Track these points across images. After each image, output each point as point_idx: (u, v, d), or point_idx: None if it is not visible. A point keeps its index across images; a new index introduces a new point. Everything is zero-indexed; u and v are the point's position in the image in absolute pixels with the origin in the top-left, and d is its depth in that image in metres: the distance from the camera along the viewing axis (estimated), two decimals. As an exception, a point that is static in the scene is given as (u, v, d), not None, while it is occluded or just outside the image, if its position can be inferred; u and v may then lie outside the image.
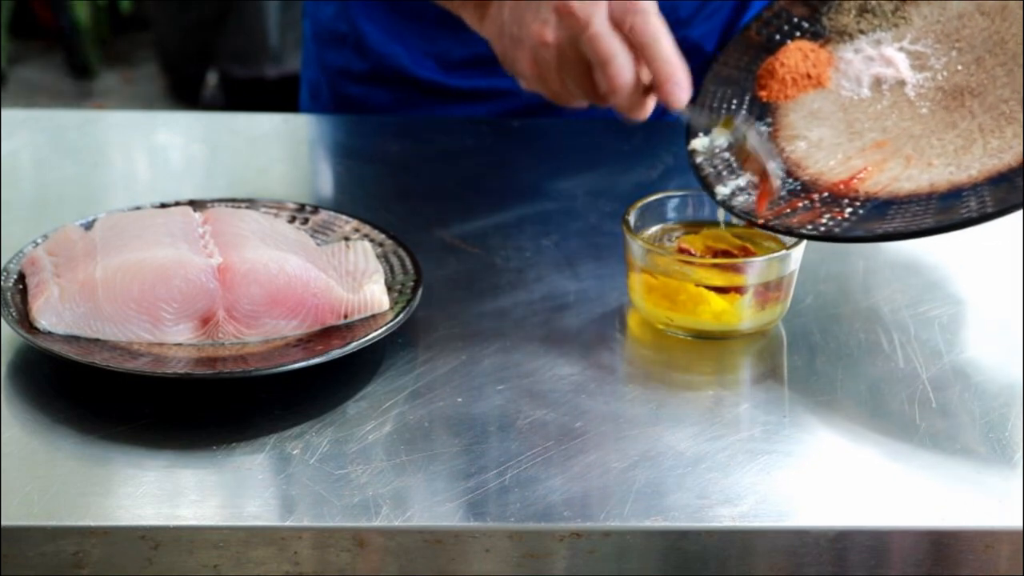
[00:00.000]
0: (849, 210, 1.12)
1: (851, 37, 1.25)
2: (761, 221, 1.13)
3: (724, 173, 1.17)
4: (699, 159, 1.19)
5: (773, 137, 1.19)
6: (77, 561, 0.94)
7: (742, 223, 1.15)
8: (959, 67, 1.19)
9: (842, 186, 1.14)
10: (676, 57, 1.12)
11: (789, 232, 1.12)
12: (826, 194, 1.14)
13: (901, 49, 1.22)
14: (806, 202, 1.14)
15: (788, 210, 1.13)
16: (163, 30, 4.15)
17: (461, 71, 1.50)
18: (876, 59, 1.22)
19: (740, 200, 1.15)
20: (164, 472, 0.99)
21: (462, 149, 1.46)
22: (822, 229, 1.10)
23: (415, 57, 1.51)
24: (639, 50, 1.12)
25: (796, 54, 1.24)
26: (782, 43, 1.26)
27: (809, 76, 1.23)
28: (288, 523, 0.94)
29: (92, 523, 0.94)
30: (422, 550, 0.94)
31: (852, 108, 1.20)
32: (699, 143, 1.19)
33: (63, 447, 1.01)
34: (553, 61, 1.15)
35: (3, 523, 0.93)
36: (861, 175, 1.14)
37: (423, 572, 0.95)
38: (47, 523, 0.94)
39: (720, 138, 1.19)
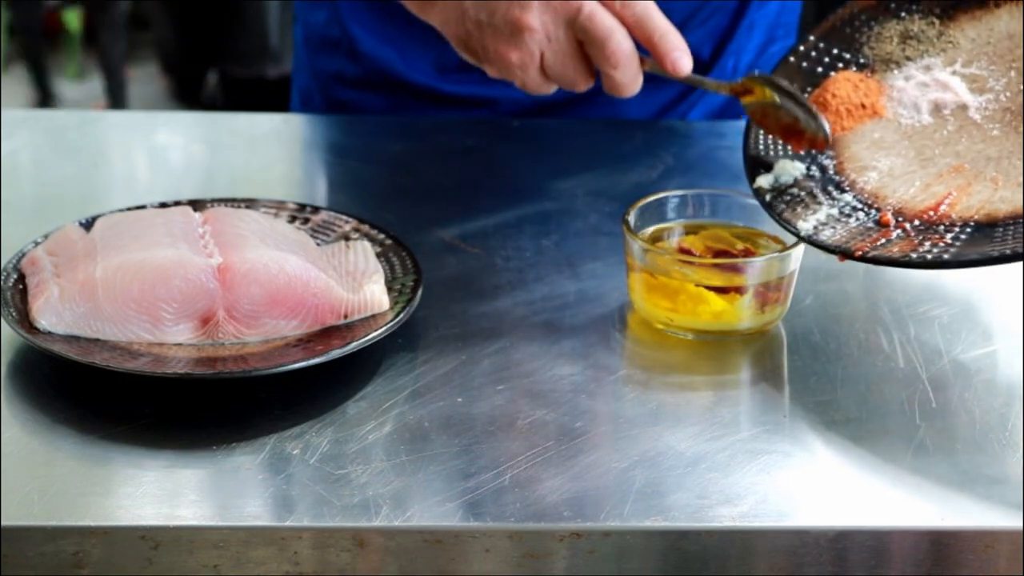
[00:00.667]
0: (949, 235, 1.09)
1: (898, 64, 1.23)
2: (859, 254, 1.10)
3: (799, 209, 1.15)
4: (768, 196, 1.16)
5: (839, 170, 1.18)
6: (77, 561, 0.94)
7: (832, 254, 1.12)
8: (1022, 86, 1.18)
9: (932, 212, 1.11)
10: (671, 27, 1.12)
11: (893, 263, 1.09)
12: (917, 222, 1.11)
13: (955, 73, 1.21)
14: (899, 231, 1.11)
15: (882, 240, 1.11)
16: (163, 30, 4.15)
17: (455, 75, 1.50)
18: (931, 84, 1.20)
19: (826, 235, 1.12)
20: (164, 472, 0.98)
21: (462, 149, 1.46)
22: (929, 257, 1.08)
23: (408, 61, 1.51)
24: (632, 27, 1.11)
25: (845, 84, 1.21)
26: (825, 75, 1.23)
27: (863, 106, 1.20)
28: (288, 523, 0.94)
29: (92, 523, 0.94)
30: (422, 550, 0.94)
31: (917, 135, 1.18)
32: (764, 180, 1.17)
33: (63, 447, 1.01)
34: (538, 46, 1.13)
35: (3, 523, 0.93)
36: (948, 200, 1.12)
37: (423, 572, 0.95)
38: (47, 523, 0.94)
39: (785, 175, 1.18)
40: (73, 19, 4.31)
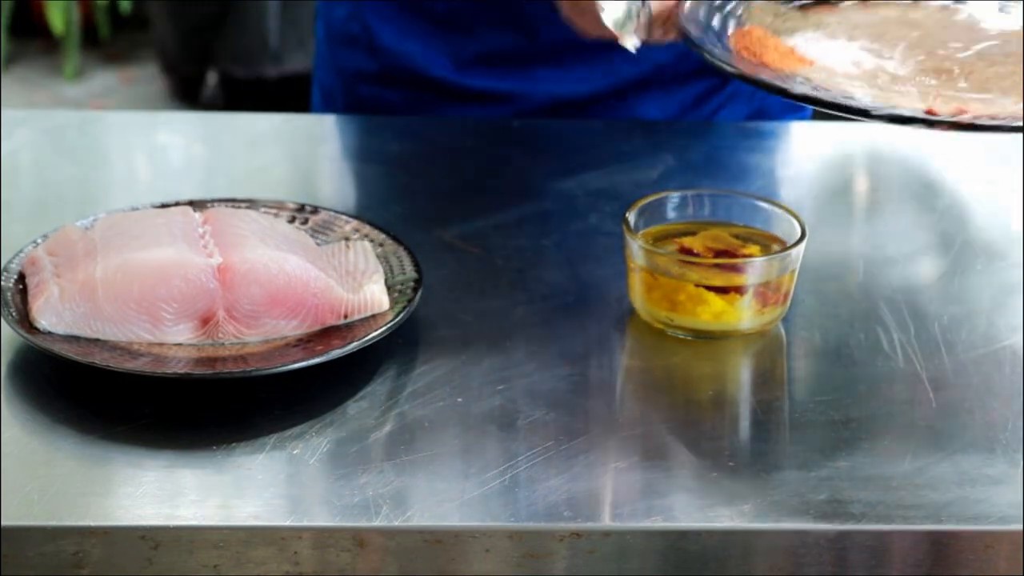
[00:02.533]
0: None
1: (780, 34, 1.21)
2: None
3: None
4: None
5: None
6: (77, 561, 0.94)
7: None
8: (920, 56, 1.17)
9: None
10: None
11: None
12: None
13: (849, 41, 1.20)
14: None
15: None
16: (163, 30, 4.15)
17: (474, 69, 1.50)
18: (832, 48, 1.19)
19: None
20: (164, 472, 0.99)
21: (462, 149, 1.46)
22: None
23: (428, 56, 1.51)
24: None
25: (763, 35, 1.20)
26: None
27: (792, 52, 1.18)
28: (288, 523, 0.94)
29: (92, 523, 0.94)
30: (422, 550, 0.94)
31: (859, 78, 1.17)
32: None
33: (63, 447, 1.01)
34: None
35: (3, 523, 0.93)
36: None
37: (423, 572, 0.95)
38: (47, 523, 0.94)
39: None
40: (57, 16, 4.29)
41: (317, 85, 1.63)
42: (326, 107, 1.60)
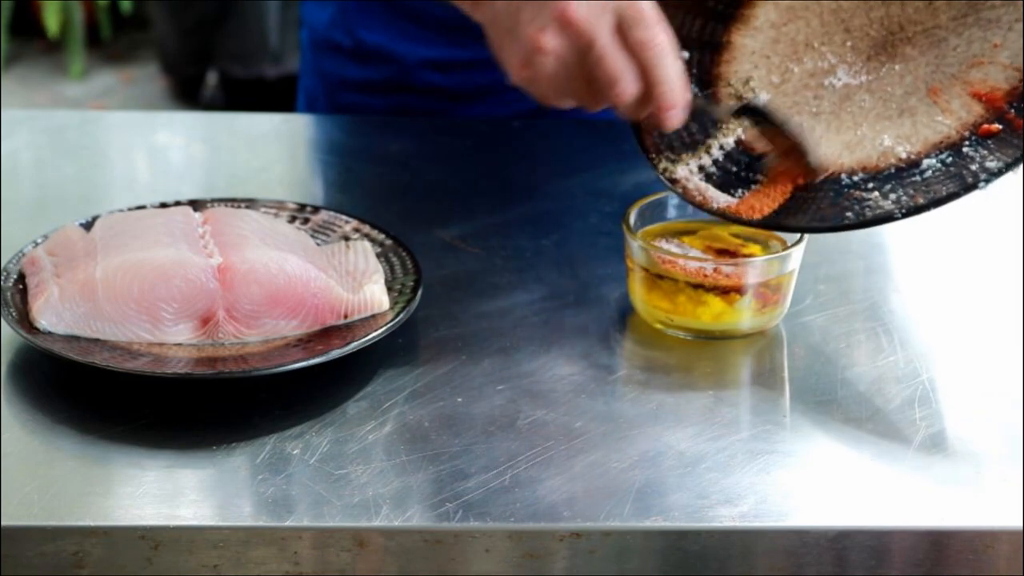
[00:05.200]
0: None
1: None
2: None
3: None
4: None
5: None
6: (77, 561, 0.94)
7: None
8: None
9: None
10: (679, 79, 1.09)
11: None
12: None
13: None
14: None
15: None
16: (163, 30, 4.15)
17: (460, 74, 1.50)
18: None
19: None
20: (164, 472, 0.99)
21: (462, 149, 1.46)
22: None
23: (414, 62, 1.51)
24: (643, 67, 1.08)
25: None
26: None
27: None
28: (288, 523, 0.94)
29: (92, 523, 0.94)
30: (422, 550, 0.94)
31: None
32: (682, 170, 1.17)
33: (63, 447, 1.01)
34: (549, 68, 1.11)
35: (3, 523, 0.93)
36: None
37: (423, 572, 0.95)
38: (47, 523, 0.94)
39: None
40: (52, 18, 4.28)
41: (302, 90, 1.63)
42: (310, 112, 1.60)
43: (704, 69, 1.19)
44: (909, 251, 1.28)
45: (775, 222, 1.12)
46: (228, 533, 0.94)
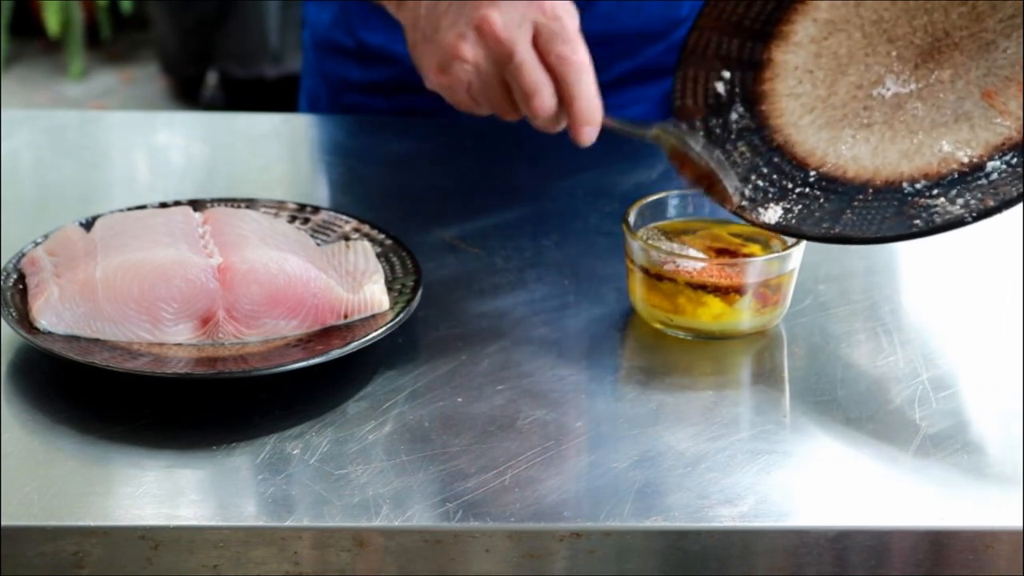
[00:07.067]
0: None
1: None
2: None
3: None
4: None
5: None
6: (77, 561, 0.94)
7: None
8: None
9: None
10: (596, 96, 1.09)
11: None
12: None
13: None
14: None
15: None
16: (163, 30, 4.15)
17: None
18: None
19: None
20: (164, 472, 0.99)
21: (462, 149, 1.46)
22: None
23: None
24: (560, 82, 1.09)
25: None
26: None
27: None
28: (288, 523, 0.94)
29: (92, 523, 0.94)
30: (422, 550, 0.94)
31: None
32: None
33: (63, 447, 1.01)
34: (466, 76, 1.11)
35: (3, 523, 0.93)
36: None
37: (423, 572, 0.95)
38: (47, 523, 0.94)
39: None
40: (52, 18, 4.28)
41: (304, 91, 1.63)
42: (312, 113, 1.60)
43: (747, 88, 1.19)
44: (909, 251, 1.28)
45: (839, 235, 1.10)
46: (228, 533, 0.94)
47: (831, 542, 0.95)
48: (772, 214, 1.13)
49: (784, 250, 1.13)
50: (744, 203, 1.14)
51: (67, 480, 0.97)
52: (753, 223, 1.13)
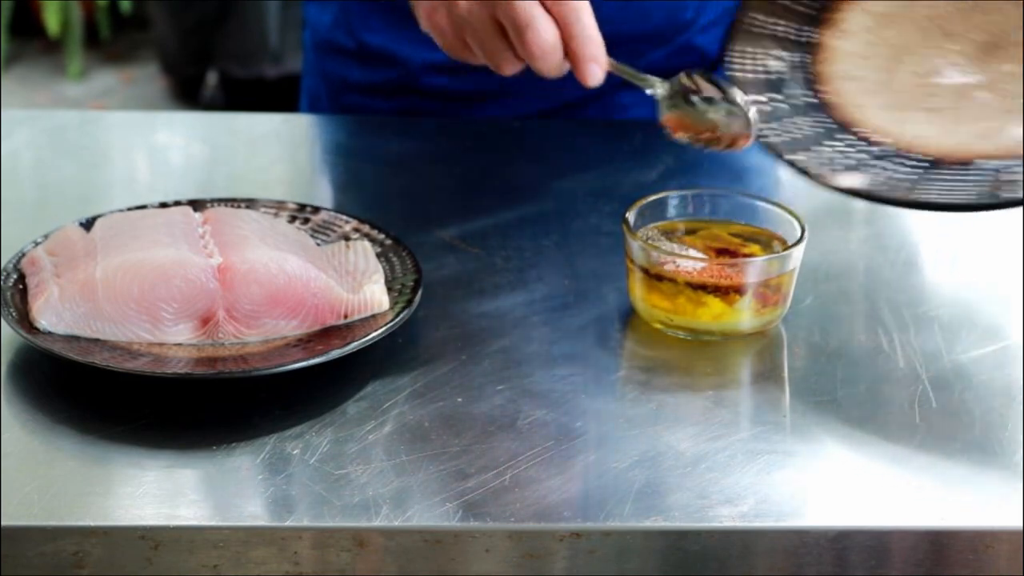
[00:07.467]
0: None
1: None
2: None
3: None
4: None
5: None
6: (77, 561, 0.94)
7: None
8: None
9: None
10: (597, 32, 1.07)
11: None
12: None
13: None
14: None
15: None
16: (163, 30, 4.15)
17: (465, 77, 1.50)
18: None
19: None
20: (164, 472, 0.99)
21: (462, 149, 1.46)
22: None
23: (417, 64, 1.50)
24: (559, 22, 1.07)
25: None
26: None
27: None
28: (288, 523, 0.94)
29: (92, 523, 0.94)
30: (422, 550, 0.94)
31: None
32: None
33: (63, 447, 1.01)
34: (458, 19, 1.10)
35: (3, 523, 0.93)
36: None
37: (423, 572, 0.95)
38: (47, 523, 0.94)
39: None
40: (53, 17, 4.28)
41: (305, 91, 1.63)
42: (312, 113, 1.60)
43: (808, 69, 1.19)
44: (909, 251, 1.28)
45: (926, 201, 1.08)
46: (228, 533, 0.94)
47: (831, 542, 0.95)
48: (847, 179, 1.11)
49: (784, 250, 1.13)
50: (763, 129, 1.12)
51: (67, 480, 0.97)
52: (827, 184, 1.11)
